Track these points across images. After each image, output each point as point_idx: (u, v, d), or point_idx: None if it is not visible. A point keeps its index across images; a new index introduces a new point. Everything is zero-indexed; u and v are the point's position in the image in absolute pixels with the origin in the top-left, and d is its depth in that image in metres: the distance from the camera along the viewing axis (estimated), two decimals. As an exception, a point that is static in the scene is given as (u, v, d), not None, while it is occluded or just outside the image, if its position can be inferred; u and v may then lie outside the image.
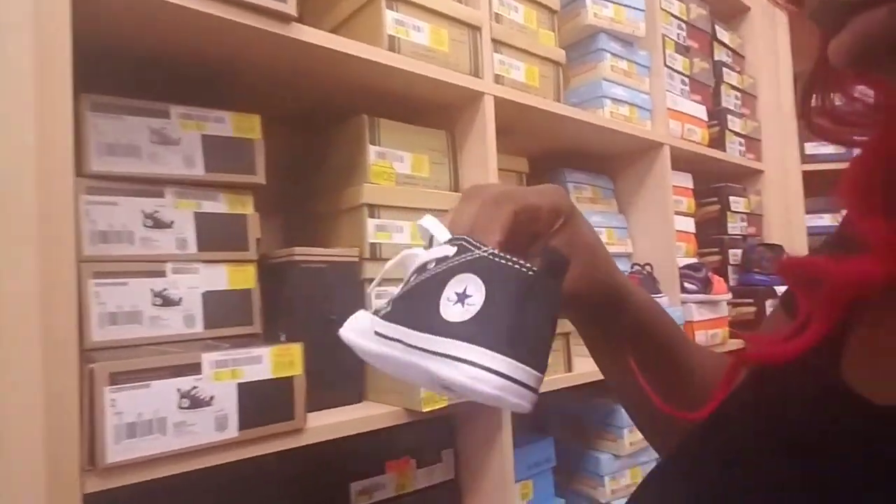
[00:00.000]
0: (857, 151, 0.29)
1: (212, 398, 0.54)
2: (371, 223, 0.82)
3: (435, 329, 0.29)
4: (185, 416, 0.52)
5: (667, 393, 0.37)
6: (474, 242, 0.31)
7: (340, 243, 0.84)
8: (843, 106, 0.30)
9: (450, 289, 0.30)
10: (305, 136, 1.00)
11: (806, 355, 0.27)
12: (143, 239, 0.67)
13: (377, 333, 0.32)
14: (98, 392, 0.48)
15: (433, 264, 0.32)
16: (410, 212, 0.87)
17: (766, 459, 0.25)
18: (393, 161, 0.86)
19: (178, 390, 0.52)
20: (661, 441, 0.45)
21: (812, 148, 1.77)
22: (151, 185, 0.69)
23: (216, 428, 0.54)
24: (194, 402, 0.53)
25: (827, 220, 1.78)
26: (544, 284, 0.29)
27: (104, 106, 0.67)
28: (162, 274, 0.67)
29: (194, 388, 0.53)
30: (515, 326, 0.28)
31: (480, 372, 0.27)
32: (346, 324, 0.34)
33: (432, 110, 0.97)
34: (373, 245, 0.82)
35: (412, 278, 0.33)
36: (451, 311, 0.29)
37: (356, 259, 0.80)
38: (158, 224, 0.68)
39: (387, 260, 0.82)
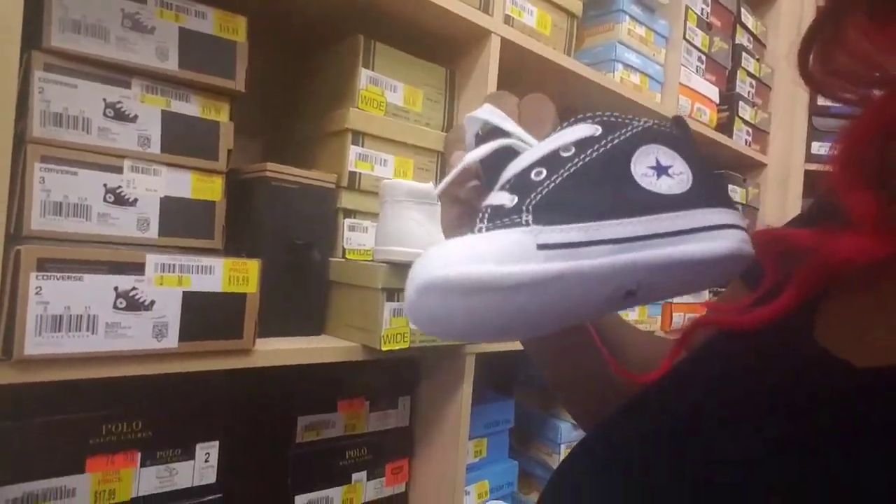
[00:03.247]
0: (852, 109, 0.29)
1: (152, 303, 0.50)
2: (353, 150, 0.77)
3: (661, 206, 0.26)
4: (120, 317, 0.48)
5: (597, 371, 0.38)
6: (622, 116, 0.29)
7: (319, 168, 0.79)
8: (843, 61, 0.30)
9: (640, 164, 0.27)
10: (294, 54, 0.94)
11: (776, 322, 0.27)
12: (102, 129, 0.62)
13: (545, 246, 0.24)
14: (23, 277, 0.44)
15: (571, 150, 0.28)
16: (397, 145, 0.81)
17: (736, 422, 0.24)
18: (385, 89, 0.81)
19: (116, 289, 0.48)
20: (586, 414, 0.44)
21: (818, 147, 1.73)
22: (117, 73, 0.63)
23: (154, 335, 0.50)
24: (132, 304, 0.49)
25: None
26: (692, 143, 0.30)
27: (73, -22, 0.60)
28: (118, 170, 0.62)
29: (134, 289, 0.49)
30: (714, 180, 0.28)
31: (741, 232, 0.27)
32: (434, 260, 0.24)
33: (434, 44, 0.91)
34: (352, 174, 0.77)
35: (545, 170, 0.28)
36: (661, 184, 0.27)
37: (332, 186, 0.75)
38: (120, 116, 0.63)
39: (366, 192, 0.79)
